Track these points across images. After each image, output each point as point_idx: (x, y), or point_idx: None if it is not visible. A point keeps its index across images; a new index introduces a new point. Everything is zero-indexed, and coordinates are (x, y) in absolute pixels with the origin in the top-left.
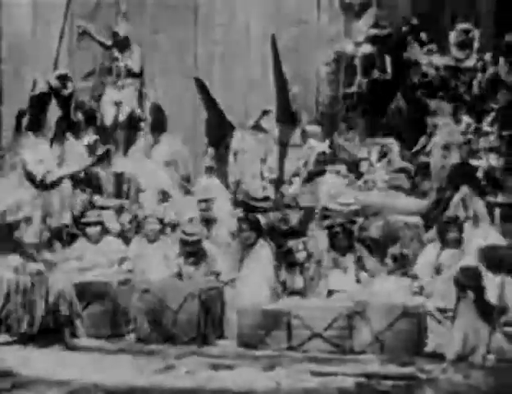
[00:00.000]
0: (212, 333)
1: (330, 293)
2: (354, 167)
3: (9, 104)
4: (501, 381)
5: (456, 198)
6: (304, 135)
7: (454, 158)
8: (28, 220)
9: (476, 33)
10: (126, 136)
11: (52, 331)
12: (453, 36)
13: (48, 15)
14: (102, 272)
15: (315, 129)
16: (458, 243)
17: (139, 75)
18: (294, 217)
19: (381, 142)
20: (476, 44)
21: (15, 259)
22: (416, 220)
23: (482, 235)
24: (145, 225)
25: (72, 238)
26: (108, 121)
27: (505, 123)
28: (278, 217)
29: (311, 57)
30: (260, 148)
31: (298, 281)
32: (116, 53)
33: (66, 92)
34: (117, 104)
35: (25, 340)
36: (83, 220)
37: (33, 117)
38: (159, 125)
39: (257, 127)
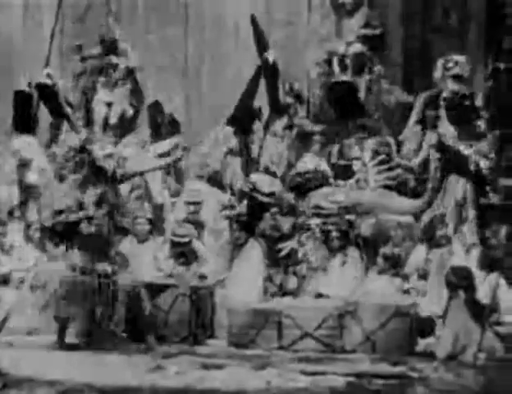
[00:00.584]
0: (203, 333)
1: (319, 296)
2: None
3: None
4: (492, 380)
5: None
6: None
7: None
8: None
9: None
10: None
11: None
12: (443, 66)
13: (40, 16)
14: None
15: (302, 122)
16: (445, 241)
17: (132, 74)
18: (286, 224)
19: (379, 139)
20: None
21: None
22: (409, 219)
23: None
24: (135, 225)
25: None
26: (99, 121)
27: (494, 123)
28: (270, 225)
29: (301, 57)
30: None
31: (291, 283)
32: (115, 59)
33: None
34: (109, 105)
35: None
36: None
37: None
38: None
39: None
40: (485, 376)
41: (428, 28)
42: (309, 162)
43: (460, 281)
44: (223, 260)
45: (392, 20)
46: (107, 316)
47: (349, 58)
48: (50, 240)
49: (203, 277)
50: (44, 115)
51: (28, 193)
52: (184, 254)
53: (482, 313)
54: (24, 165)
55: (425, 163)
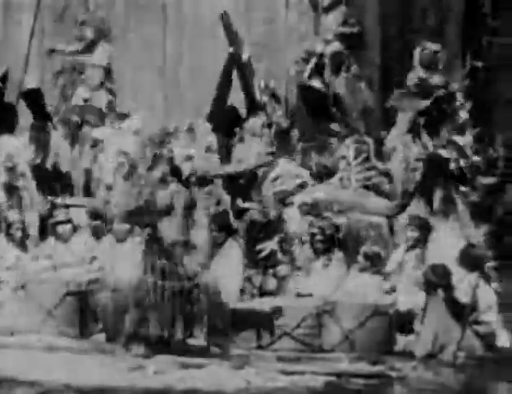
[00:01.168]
0: (182, 332)
1: (300, 296)
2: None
3: None
4: (471, 378)
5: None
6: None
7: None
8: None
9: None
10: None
11: None
12: (418, 54)
13: (19, 15)
14: (72, 270)
15: (280, 120)
16: (418, 242)
17: (107, 72)
18: (273, 211)
19: (359, 139)
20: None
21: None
22: (380, 220)
23: (454, 233)
24: (114, 224)
25: None
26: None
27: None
28: (257, 210)
29: (280, 55)
30: None
31: (271, 284)
32: (86, 57)
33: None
34: (86, 101)
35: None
36: (52, 219)
37: None
38: None
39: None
40: (464, 374)
41: (406, 28)
42: (281, 168)
43: (439, 279)
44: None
45: (370, 20)
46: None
47: (327, 57)
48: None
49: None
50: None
51: (10, 194)
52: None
53: (461, 312)
54: (12, 168)
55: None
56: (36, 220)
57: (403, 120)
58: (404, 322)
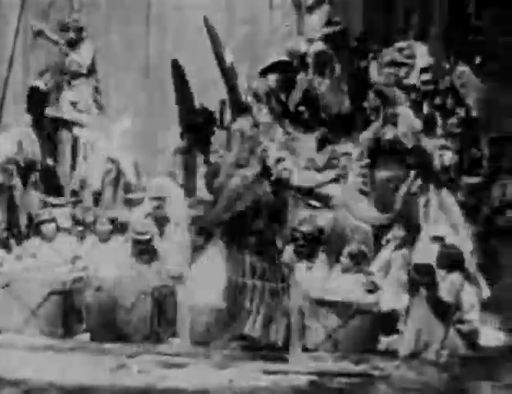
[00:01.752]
0: (165, 332)
1: None
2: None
3: None
4: (454, 377)
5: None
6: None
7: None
8: None
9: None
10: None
11: None
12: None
13: (3, 13)
14: (56, 270)
15: (267, 119)
16: (406, 242)
17: (91, 72)
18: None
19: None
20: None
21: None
22: (367, 228)
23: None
24: (97, 225)
25: None
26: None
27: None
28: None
29: (263, 55)
30: None
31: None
32: (67, 49)
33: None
34: (73, 104)
35: None
36: (37, 219)
37: None
38: None
39: (221, 127)
40: (447, 373)
41: (390, 28)
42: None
43: (422, 278)
44: (183, 259)
45: (354, 20)
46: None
47: (310, 57)
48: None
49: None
50: None
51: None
52: (145, 251)
53: (445, 311)
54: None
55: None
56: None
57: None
58: (387, 322)
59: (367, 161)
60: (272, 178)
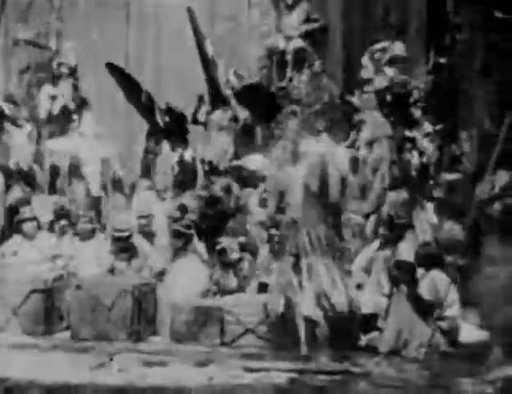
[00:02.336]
0: (146, 330)
1: (262, 287)
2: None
3: None
4: (435, 374)
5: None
6: (235, 120)
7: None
8: None
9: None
10: (60, 129)
11: None
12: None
13: None
14: (36, 268)
15: (246, 114)
16: (390, 241)
17: (73, 70)
18: (219, 184)
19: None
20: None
21: None
22: (359, 219)
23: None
24: (78, 223)
25: None
26: (42, 114)
27: (437, 118)
28: (201, 185)
29: (243, 52)
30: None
31: (231, 281)
32: (52, 53)
33: None
34: (53, 98)
35: None
36: (18, 216)
37: None
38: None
39: (195, 122)
40: (428, 370)
41: (369, 25)
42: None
43: (403, 275)
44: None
45: (333, 17)
46: None
47: (289, 54)
48: None
49: (158, 274)
50: None
51: None
52: (126, 249)
53: (425, 308)
54: None
55: None
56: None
57: None
58: (367, 319)
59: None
60: None
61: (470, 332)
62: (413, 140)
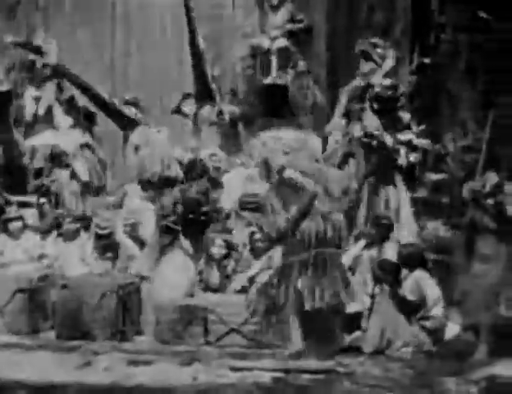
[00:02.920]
0: (130, 329)
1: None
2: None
3: None
4: (419, 373)
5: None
6: (221, 115)
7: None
8: None
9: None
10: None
11: None
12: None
13: None
14: (22, 267)
15: (232, 109)
16: (375, 240)
17: (58, 71)
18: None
19: None
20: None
21: None
22: (338, 217)
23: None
24: (64, 224)
25: None
26: (28, 116)
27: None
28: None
29: (227, 51)
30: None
31: (214, 277)
32: (33, 55)
33: None
34: (36, 100)
35: None
36: (3, 216)
37: None
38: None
39: (177, 111)
40: (412, 369)
41: (353, 25)
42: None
43: (386, 275)
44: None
45: (317, 17)
46: None
47: (273, 53)
48: None
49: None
50: None
51: None
52: (108, 247)
53: (409, 309)
54: None
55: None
56: None
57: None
58: (351, 319)
59: None
60: None
61: (454, 331)
62: (408, 143)
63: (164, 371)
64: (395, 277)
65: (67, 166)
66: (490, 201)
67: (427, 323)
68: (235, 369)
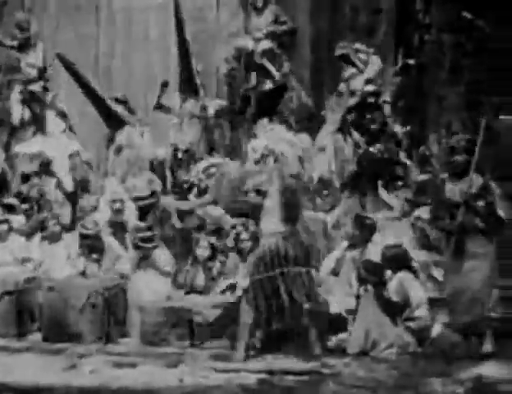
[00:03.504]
0: (116, 331)
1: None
2: None
3: None
4: (404, 374)
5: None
6: (205, 110)
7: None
8: None
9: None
10: (32, 134)
11: None
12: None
13: None
14: (8, 269)
15: (219, 102)
16: (358, 241)
17: (43, 72)
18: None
19: None
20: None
21: None
22: (324, 217)
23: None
24: (48, 226)
25: None
26: (16, 119)
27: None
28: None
29: (211, 53)
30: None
31: (199, 279)
32: (18, 54)
33: None
34: (24, 102)
35: None
36: None
37: None
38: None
39: (159, 107)
40: (397, 370)
41: (337, 26)
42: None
43: (370, 276)
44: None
45: (301, 19)
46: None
47: (257, 55)
48: None
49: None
50: None
51: None
52: (93, 248)
53: (394, 310)
54: None
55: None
56: None
57: (332, 119)
58: (336, 320)
59: None
60: None
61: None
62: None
63: (150, 373)
64: (380, 278)
65: (53, 175)
66: (481, 203)
67: (412, 324)
68: (220, 371)
